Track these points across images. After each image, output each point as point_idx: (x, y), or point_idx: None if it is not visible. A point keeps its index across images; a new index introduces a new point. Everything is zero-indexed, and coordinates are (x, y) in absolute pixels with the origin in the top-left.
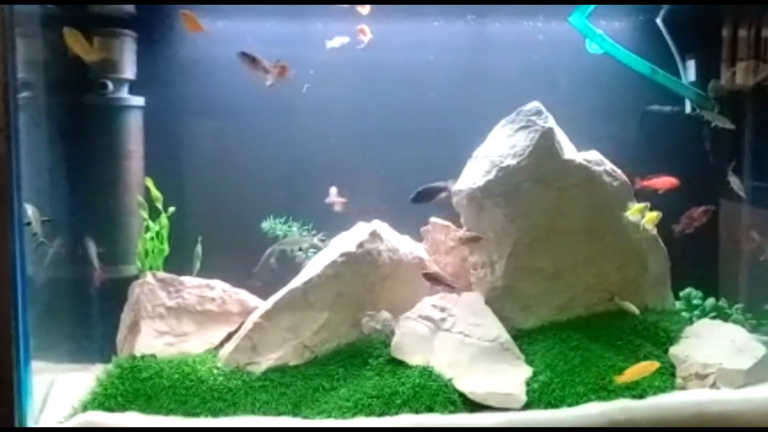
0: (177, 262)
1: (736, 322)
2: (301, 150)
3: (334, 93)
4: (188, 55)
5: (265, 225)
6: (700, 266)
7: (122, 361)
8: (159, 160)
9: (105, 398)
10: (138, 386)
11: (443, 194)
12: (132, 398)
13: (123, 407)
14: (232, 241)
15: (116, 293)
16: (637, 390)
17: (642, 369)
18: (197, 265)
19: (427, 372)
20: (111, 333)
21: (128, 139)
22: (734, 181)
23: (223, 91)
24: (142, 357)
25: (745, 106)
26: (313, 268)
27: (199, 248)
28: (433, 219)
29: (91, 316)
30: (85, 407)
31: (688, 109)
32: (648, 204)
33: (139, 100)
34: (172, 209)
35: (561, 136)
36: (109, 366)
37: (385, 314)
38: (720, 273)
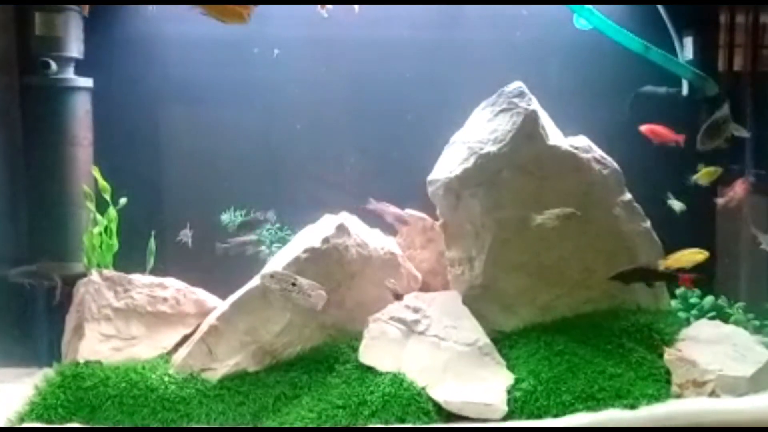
0: (130, 259)
1: (737, 322)
2: (265, 136)
3: (302, 75)
4: (142, 32)
5: (225, 217)
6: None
7: (64, 367)
8: (109, 147)
9: (44, 409)
10: (81, 396)
11: (266, 225)
12: (74, 409)
13: (64, 419)
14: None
15: (63, 292)
16: (628, 399)
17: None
18: (151, 261)
19: (398, 379)
20: (58, 335)
21: (74, 124)
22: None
23: (181, 72)
24: (86, 363)
25: (746, 89)
26: (274, 265)
27: (152, 243)
28: (407, 211)
29: (37, 317)
30: (21, 419)
31: (685, 90)
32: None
33: (86, 82)
34: (123, 201)
35: (546, 120)
36: (50, 373)
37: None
38: (719, 269)
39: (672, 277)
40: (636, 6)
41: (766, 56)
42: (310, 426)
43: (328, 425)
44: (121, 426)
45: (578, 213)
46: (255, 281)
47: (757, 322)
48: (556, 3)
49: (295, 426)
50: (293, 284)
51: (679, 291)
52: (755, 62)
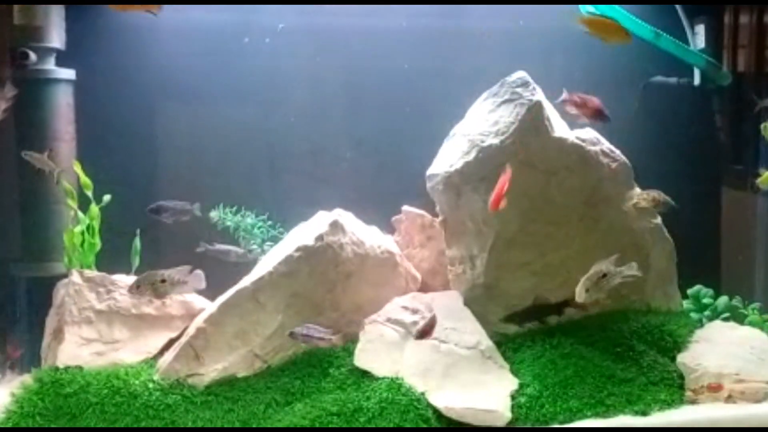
0: (114, 258)
1: (752, 324)
2: (256, 130)
3: (294, 65)
4: (128, 22)
5: (214, 215)
6: (711, 260)
7: (42, 374)
8: (93, 141)
9: (21, 418)
10: (60, 403)
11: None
12: (53, 417)
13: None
14: (177, 233)
15: (43, 294)
16: (639, 405)
17: None
18: (136, 261)
19: (395, 384)
20: (38, 340)
21: (55, 118)
22: None
23: (169, 64)
24: (66, 369)
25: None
26: (265, 264)
27: (137, 242)
28: (405, 207)
29: (17, 320)
30: None
31: (696, 80)
32: None
33: (68, 73)
34: (107, 197)
35: (550, 111)
36: (28, 379)
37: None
38: (733, 267)
39: (564, 305)
40: None
41: None
42: None
43: None
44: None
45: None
46: (245, 282)
47: None
48: (561, 3)
49: None
50: (162, 281)
51: (691, 291)
52: None
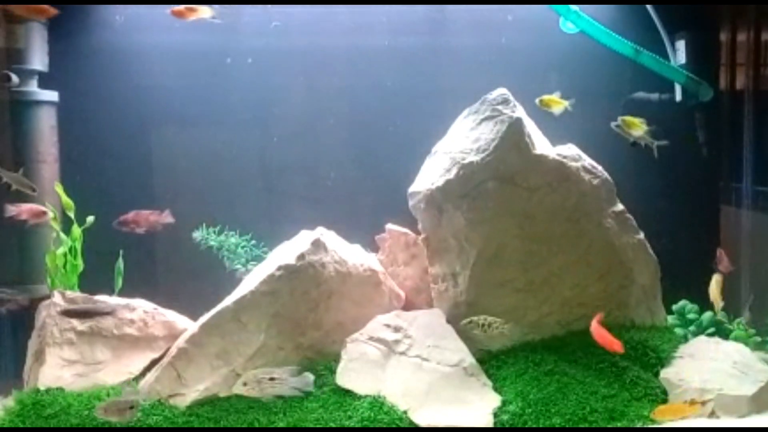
0: (98, 279)
1: (737, 339)
2: (240, 150)
3: (277, 84)
4: (110, 43)
5: (197, 235)
6: (696, 276)
7: (24, 395)
8: (76, 163)
9: None
10: (41, 425)
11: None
12: None
13: None
14: (160, 253)
15: (27, 316)
16: (622, 421)
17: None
18: (119, 282)
19: (378, 403)
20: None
21: (38, 140)
22: None
23: (151, 85)
24: (47, 390)
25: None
26: (247, 284)
27: (120, 263)
28: (389, 225)
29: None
30: None
31: (678, 95)
32: None
33: (51, 95)
34: (90, 219)
35: (532, 128)
36: (9, 401)
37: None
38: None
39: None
40: (624, 9)
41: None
42: None
43: None
44: None
45: None
46: (227, 301)
47: (758, 339)
48: (544, 3)
49: None
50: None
51: (676, 306)
52: (753, 66)
